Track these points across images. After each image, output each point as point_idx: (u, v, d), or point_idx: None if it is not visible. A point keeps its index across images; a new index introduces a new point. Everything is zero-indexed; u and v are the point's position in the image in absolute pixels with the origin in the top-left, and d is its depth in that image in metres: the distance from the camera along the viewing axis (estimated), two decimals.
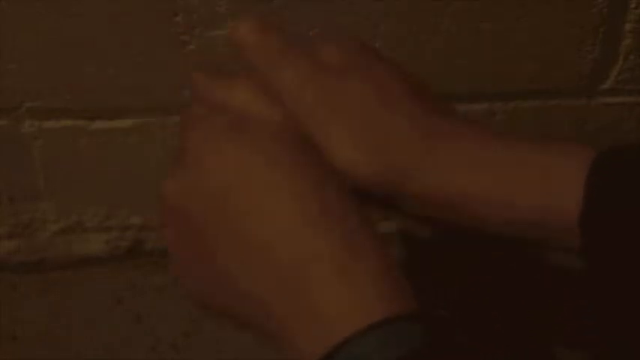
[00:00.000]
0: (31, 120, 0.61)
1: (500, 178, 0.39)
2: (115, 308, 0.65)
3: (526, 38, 0.60)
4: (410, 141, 0.40)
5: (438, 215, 0.41)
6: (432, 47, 0.60)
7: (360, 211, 0.37)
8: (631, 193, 0.36)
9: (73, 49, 0.57)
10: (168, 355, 0.63)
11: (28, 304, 0.66)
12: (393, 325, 0.32)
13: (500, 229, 0.40)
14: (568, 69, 0.62)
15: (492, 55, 0.61)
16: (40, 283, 0.67)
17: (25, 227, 0.66)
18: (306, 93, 0.41)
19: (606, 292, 0.37)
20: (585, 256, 0.37)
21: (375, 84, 0.41)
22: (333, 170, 0.39)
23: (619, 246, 0.36)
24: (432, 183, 0.40)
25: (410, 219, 0.43)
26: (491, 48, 0.60)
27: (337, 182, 0.37)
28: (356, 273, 0.34)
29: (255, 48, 0.43)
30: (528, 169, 0.39)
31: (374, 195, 0.40)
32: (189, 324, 0.66)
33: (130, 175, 0.64)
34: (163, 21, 0.57)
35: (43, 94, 0.60)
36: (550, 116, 0.64)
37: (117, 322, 0.64)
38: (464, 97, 0.62)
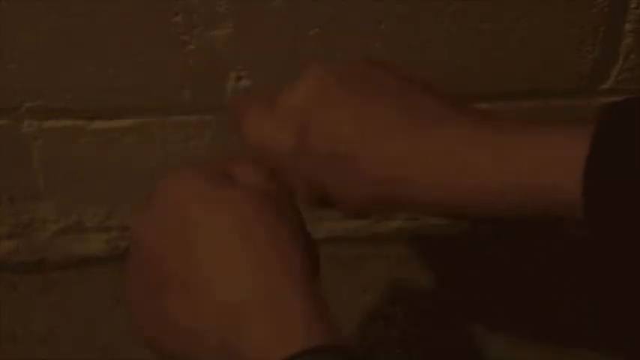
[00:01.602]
0: (31, 120, 0.61)
1: (496, 158, 0.39)
2: (115, 308, 0.65)
3: (526, 38, 0.60)
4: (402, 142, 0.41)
5: (438, 209, 0.41)
6: (432, 47, 0.60)
7: (305, 258, 0.38)
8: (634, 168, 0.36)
9: (73, 49, 0.57)
10: None
11: (28, 304, 0.66)
12: (313, 356, 0.34)
13: (500, 206, 0.39)
14: (568, 69, 0.62)
15: (492, 55, 0.61)
16: (40, 283, 0.67)
17: (25, 227, 0.66)
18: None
19: (610, 267, 0.37)
20: (590, 227, 0.37)
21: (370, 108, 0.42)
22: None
23: (623, 218, 0.35)
24: (426, 184, 0.40)
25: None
26: (491, 48, 0.60)
27: (292, 232, 0.39)
28: (285, 312, 0.36)
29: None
30: (526, 148, 0.38)
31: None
32: None
33: (130, 175, 0.64)
34: (163, 21, 0.57)
35: (43, 94, 0.60)
36: (550, 116, 0.64)
37: (117, 322, 0.64)
38: (464, 97, 0.62)
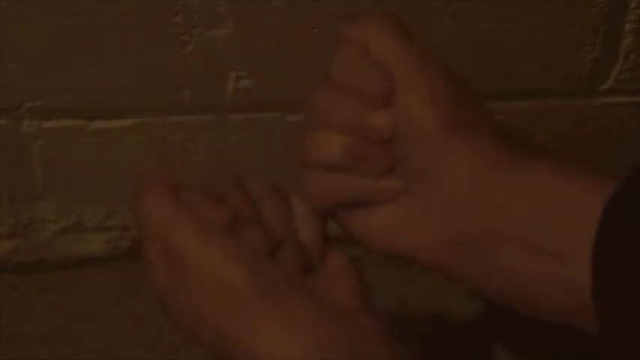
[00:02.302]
0: (31, 120, 0.61)
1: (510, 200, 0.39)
2: (115, 308, 0.65)
3: (526, 38, 0.60)
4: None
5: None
6: (432, 47, 0.60)
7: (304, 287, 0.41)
8: None
9: (73, 49, 0.58)
10: (168, 355, 0.63)
11: (28, 304, 0.66)
12: None
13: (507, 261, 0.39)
14: (568, 69, 0.62)
15: (492, 55, 0.61)
16: (40, 283, 0.67)
17: (25, 227, 0.66)
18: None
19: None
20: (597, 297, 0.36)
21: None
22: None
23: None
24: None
25: None
26: (491, 48, 0.60)
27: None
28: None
29: None
30: (542, 196, 0.38)
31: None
32: None
33: (130, 175, 0.64)
34: (163, 21, 0.57)
35: (43, 94, 0.60)
36: (550, 116, 0.65)
37: (117, 322, 0.64)
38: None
